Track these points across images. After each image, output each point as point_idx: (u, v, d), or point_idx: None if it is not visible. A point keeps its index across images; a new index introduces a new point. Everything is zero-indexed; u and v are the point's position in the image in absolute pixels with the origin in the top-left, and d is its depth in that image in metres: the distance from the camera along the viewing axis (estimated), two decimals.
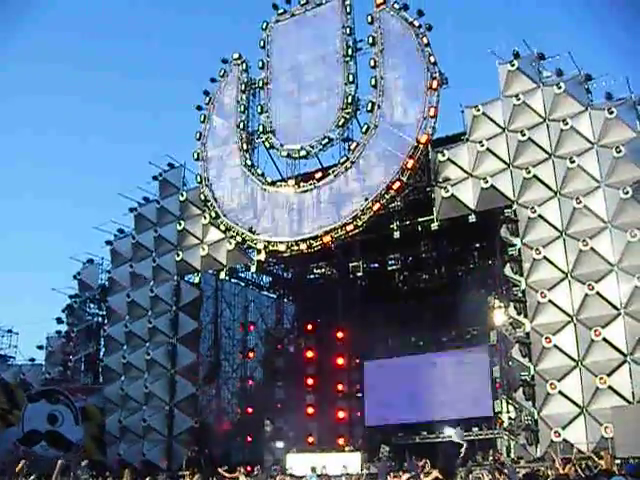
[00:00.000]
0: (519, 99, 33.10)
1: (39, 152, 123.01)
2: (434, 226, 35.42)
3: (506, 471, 20.97)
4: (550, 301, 30.83)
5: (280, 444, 43.62)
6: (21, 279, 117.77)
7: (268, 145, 39.52)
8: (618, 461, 23.69)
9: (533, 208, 31.73)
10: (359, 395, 46.91)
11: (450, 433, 34.76)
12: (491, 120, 34.06)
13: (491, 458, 33.36)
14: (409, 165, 34.17)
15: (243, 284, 47.14)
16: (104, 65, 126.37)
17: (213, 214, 39.71)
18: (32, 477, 15.49)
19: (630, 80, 31.08)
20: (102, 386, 42.45)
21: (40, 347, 44.63)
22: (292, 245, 37.31)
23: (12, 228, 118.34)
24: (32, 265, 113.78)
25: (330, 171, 37.27)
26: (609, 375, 28.82)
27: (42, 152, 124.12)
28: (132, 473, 19.42)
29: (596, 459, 22.73)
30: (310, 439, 44.00)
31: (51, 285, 52.24)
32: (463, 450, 15.06)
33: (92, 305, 45.85)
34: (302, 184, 37.96)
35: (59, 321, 44.57)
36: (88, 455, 35.84)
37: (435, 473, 13.19)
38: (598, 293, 29.66)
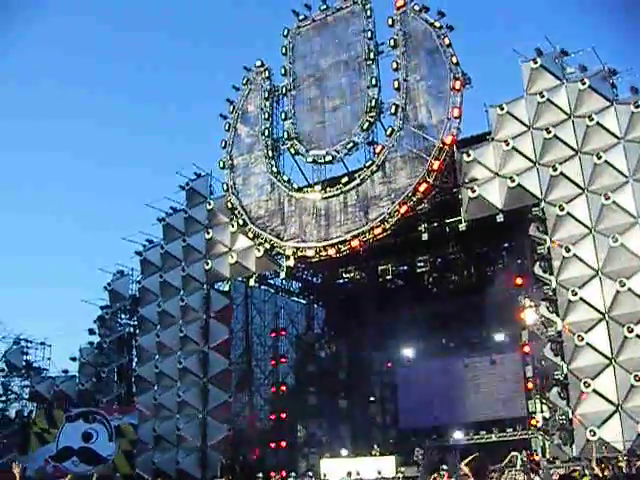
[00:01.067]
0: (543, 96, 32.91)
1: (67, 174, 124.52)
2: (462, 227, 35.23)
3: (541, 472, 20.81)
4: (581, 299, 30.57)
5: (314, 449, 43.66)
6: (53, 293, 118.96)
7: (293, 151, 39.61)
8: None
9: (561, 206, 31.50)
10: (392, 398, 46.86)
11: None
12: (516, 119, 33.88)
13: (525, 459, 33.11)
14: (435, 167, 34.09)
15: (273, 290, 47.19)
16: (114, 88, 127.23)
17: (241, 222, 39.87)
18: None
19: None
20: (137, 404, 42.59)
21: (73, 359, 44.87)
22: (320, 250, 37.36)
23: (44, 248, 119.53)
24: (64, 280, 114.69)
25: (356, 175, 37.23)
26: None
27: (70, 173, 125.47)
28: None
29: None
30: (344, 444, 43.87)
31: (82, 297, 52.42)
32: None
33: (123, 316, 46.08)
34: (329, 189, 37.98)
35: (91, 332, 44.84)
36: (117, 469, 36.17)
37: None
38: (630, 289, 29.37)
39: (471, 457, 14.26)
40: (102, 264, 54.13)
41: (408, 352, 44.90)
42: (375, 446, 39.73)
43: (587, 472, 20.63)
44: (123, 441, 40.02)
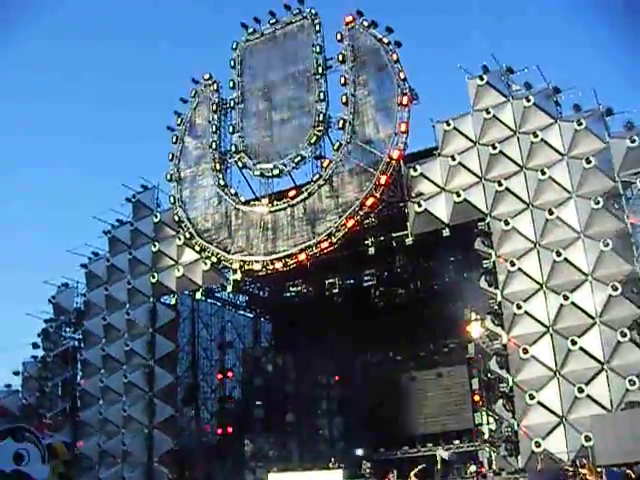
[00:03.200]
0: (489, 113, 33.45)
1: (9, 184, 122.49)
2: (408, 241, 35.52)
3: None
4: (526, 312, 31.02)
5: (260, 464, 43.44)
6: None
7: (241, 165, 39.60)
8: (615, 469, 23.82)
9: (506, 220, 31.98)
10: (339, 412, 46.95)
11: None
12: (462, 134, 34.35)
13: (472, 470, 33.43)
14: (382, 181, 34.39)
15: (220, 304, 46.95)
16: (76, 97, 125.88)
17: (188, 235, 39.68)
18: None
19: (597, 92, 31.49)
20: (72, 419, 41.70)
21: (16, 373, 44.20)
22: (267, 264, 37.35)
23: None
24: (7, 292, 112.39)
25: (303, 189, 37.35)
26: (587, 384, 29.00)
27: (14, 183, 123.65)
28: None
29: (579, 468, 22.85)
30: (291, 457, 43.74)
31: (26, 310, 51.60)
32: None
33: (68, 329, 45.37)
34: (276, 203, 38.04)
35: (35, 346, 44.15)
36: None
37: None
38: (573, 303, 29.92)
39: (418, 468, 14.48)
40: (47, 277, 53.30)
41: (355, 365, 45.00)
42: (332, 459, 39.61)
43: None
44: (56, 463, 39.16)
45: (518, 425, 30.74)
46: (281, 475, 37.83)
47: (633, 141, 30.00)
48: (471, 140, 34.10)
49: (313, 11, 39.14)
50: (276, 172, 38.28)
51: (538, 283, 31.19)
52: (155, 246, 41.43)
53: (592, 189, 30.45)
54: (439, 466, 30.48)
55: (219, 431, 44.21)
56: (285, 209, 37.51)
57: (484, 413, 38.60)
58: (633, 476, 19.38)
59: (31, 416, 41.81)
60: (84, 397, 42.68)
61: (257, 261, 37.59)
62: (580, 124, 31.12)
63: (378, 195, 34.71)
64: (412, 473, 13.92)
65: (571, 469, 24.23)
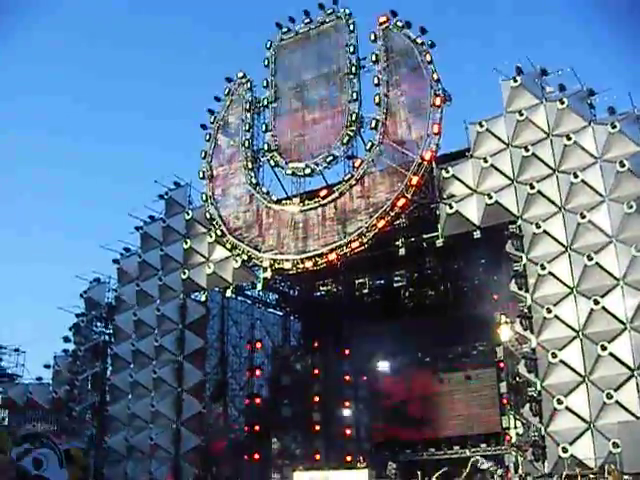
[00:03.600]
0: (522, 115, 33.21)
1: (41, 186, 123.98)
2: (439, 242, 35.42)
3: None
4: (556, 316, 30.75)
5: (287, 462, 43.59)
6: (29, 300, 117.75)
7: (273, 163, 39.69)
8: (627, 477, 23.62)
9: (538, 224, 31.74)
10: (366, 412, 46.96)
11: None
12: (495, 136, 34.15)
13: (499, 474, 33.26)
14: (413, 182, 34.30)
15: (249, 302, 47.21)
16: (112, 72, 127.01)
17: (219, 232, 39.86)
18: None
19: (632, 95, 31.21)
20: (85, 427, 41.98)
21: (47, 366, 44.62)
22: (297, 263, 37.39)
23: (19, 256, 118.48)
24: (40, 287, 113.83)
25: (335, 189, 37.36)
26: (616, 390, 28.66)
27: (45, 185, 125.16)
28: None
29: (605, 475, 22.67)
30: (317, 456, 43.80)
31: (58, 304, 52.10)
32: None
33: (99, 324, 45.72)
34: (307, 202, 38.07)
35: (66, 340, 44.49)
36: None
37: None
38: (604, 308, 29.58)
39: (440, 471, 14.46)
40: (79, 272, 53.84)
41: (384, 366, 45.00)
42: (359, 459, 39.59)
43: None
44: (75, 468, 39.43)
45: (545, 430, 30.51)
46: (307, 474, 37.91)
47: None
48: (504, 142, 33.88)
49: (347, 11, 39.16)
50: (308, 171, 38.33)
51: (569, 287, 30.89)
52: (186, 243, 41.62)
53: (625, 193, 30.08)
54: (467, 470, 30.40)
55: (246, 429, 44.40)
56: (316, 208, 37.53)
57: (512, 417, 38.37)
58: None
59: (61, 409, 42.26)
60: (113, 391, 43.03)
61: (287, 260, 37.66)
62: (614, 127, 30.76)
63: (409, 196, 34.63)
64: (434, 477, 13.82)
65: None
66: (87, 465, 39.71)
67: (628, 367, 28.83)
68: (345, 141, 37.68)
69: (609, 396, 28.69)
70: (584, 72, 32.93)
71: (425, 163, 34.43)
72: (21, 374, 45.39)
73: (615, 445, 27.27)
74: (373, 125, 36.55)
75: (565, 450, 29.17)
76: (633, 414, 28.21)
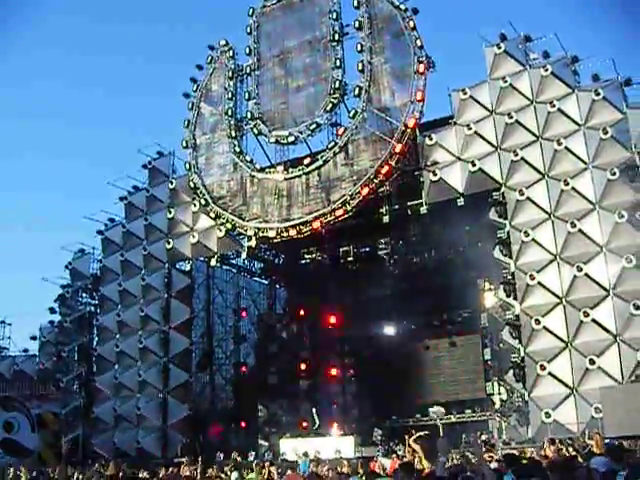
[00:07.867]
0: (506, 82, 33.13)
1: (26, 142, 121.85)
2: (423, 210, 35.53)
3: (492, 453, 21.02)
4: (539, 283, 30.97)
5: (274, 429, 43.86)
6: (13, 272, 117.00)
7: (256, 132, 39.45)
8: (607, 441, 23.81)
9: (521, 191, 31.82)
10: (352, 379, 47.25)
11: (434, 411, 35.06)
12: (478, 103, 34.08)
13: (481, 440, 33.49)
14: (397, 149, 34.22)
15: (235, 271, 47.17)
16: (100, 49, 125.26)
17: (203, 201, 39.73)
18: None
19: (616, 61, 31.12)
20: (57, 395, 41.91)
21: (33, 338, 44.49)
22: (282, 231, 37.38)
23: (2, 226, 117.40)
24: (25, 259, 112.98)
25: (319, 156, 37.22)
26: (598, 356, 29.04)
27: (30, 142, 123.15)
28: (117, 466, 19.19)
29: (586, 440, 22.87)
30: (304, 424, 44.07)
31: (42, 275, 51.80)
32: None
33: (84, 295, 45.63)
34: (291, 170, 37.95)
35: (52, 311, 44.41)
36: (45, 463, 35.67)
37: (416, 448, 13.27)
38: (587, 274, 29.82)
39: (418, 434, 14.29)
40: (63, 243, 53.58)
41: (369, 333, 45.15)
42: (335, 426, 39.82)
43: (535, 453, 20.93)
44: (47, 432, 39.38)
45: (529, 395, 30.86)
46: (293, 441, 38.14)
47: None
48: (487, 109, 33.82)
49: None
50: (291, 139, 38.13)
51: (552, 254, 31.08)
52: (170, 212, 41.52)
53: (608, 160, 30.17)
54: (442, 432, 30.48)
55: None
56: (300, 176, 37.42)
57: (496, 383, 38.72)
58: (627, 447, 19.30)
59: (48, 380, 42.25)
60: (100, 362, 43.08)
61: (272, 228, 37.62)
62: (598, 94, 30.76)
63: (393, 163, 34.57)
64: (411, 439, 13.81)
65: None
66: (59, 430, 39.80)
67: (610, 333, 29.19)
68: (329, 109, 37.48)
69: (591, 362, 29.08)
70: (568, 39, 32.89)
71: (409, 130, 34.33)
72: (7, 346, 45.46)
73: (597, 410, 27.61)
74: (356, 92, 36.33)
75: (548, 415, 29.57)
76: (615, 379, 28.63)
